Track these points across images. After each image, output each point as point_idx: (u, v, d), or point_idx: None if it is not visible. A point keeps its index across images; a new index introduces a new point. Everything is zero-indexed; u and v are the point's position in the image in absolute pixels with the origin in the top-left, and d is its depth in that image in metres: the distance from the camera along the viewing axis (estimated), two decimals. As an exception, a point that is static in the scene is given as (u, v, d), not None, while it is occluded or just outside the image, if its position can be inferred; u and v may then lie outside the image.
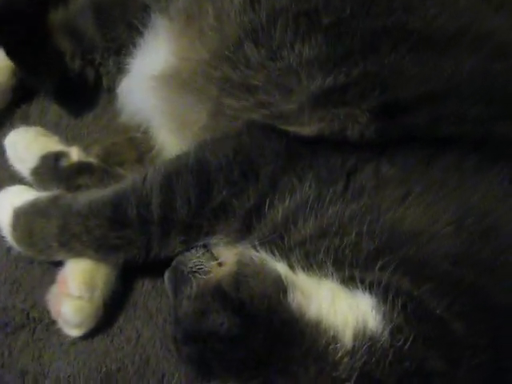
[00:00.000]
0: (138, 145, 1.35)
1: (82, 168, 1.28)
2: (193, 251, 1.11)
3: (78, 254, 1.16)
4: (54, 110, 1.44)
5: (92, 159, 1.30)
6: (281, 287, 0.94)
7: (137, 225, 1.10)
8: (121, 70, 1.36)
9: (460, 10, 1.15)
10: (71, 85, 1.41)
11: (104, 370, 1.16)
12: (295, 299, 0.93)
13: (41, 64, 1.36)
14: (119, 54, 1.34)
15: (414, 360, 0.86)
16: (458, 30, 1.11)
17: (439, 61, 1.08)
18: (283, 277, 0.95)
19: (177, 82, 1.22)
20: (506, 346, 0.90)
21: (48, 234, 1.15)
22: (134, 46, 1.30)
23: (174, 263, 1.12)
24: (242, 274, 0.98)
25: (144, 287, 1.26)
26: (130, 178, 1.17)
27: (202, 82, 1.18)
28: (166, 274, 1.12)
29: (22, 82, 1.42)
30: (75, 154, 1.29)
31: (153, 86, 1.26)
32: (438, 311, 0.89)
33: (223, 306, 0.94)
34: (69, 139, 1.36)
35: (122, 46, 1.33)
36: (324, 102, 1.07)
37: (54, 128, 1.39)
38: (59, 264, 1.21)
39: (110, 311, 1.21)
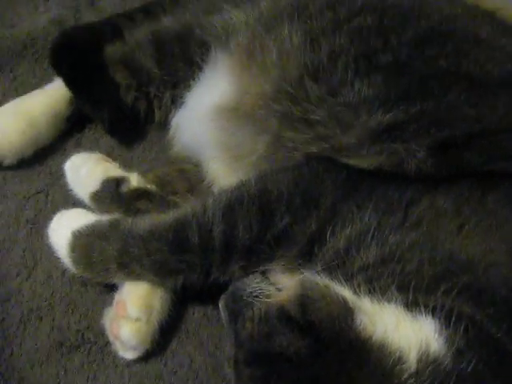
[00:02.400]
0: (188, 176, 1.39)
1: (141, 194, 1.31)
2: (251, 277, 1.13)
3: (137, 277, 1.18)
4: (105, 140, 1.48)
5: (150, 186, 1.33)
6: (348, 311, 0.97)
7: (198, 250, 1.13)
8: (175, 103, 1.41)
9: (508, 57, 1.23)
10: (123, 117, 1.45)
11: (158, 392, 1.20)
12: (362, 323, 0.95)
13: (97, 95, 1.42)
14: (176, 87, 1.39)
15: (476, 382, 0.89)
16: (508, 74, 1.18)
17: (491, 101, 1.13)
18: (349, 301, 0.98)
19: (236, 114, 1.27)
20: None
21: (107, 256, 1.17)
22: (193, 79, 1.35)
23: (230, 289, 1.14)
24: (306, 297, 1.00)
25: (195, 315, 1.28)
26: (189, 205, 1.19)
27: (262, 114, 1.22)
28: (222, 300, 1.14)
29: (76, 111, 1.46)
30: (135, 180, 1.32)
31: (210, 118, 1.30)
32: (498, 335, 0.92)
33: (290, 328, 0.96)
34: (121, 168, 1.38)
35: (180, 79, 1.38)
36: (383, 137, 1.11)
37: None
38: (112, 287, 1.23)
39: (164, 337, 1.22)
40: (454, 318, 0.93)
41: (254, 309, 1.05)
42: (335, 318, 0.97)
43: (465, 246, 1.03)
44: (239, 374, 1.04)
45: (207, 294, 1.21)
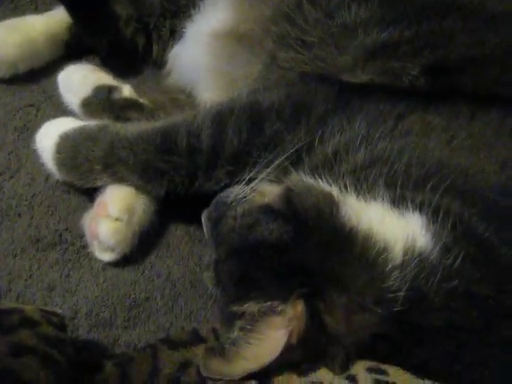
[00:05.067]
0: (180, 105, 1.38)
1: (133, 104, 1.31)
2: (235, 186, 1.10)
3: (121, 179, 1.16)
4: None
5: (142, 100, 1.33)
6: (333, 202, 0.96)
7: (185, 151, 1.12)
8: (173, 36, 1.42)
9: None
10: (120, 50, 1.46)
11: (133, 296, 1.15)
12: (347, 214, 0.94)
13: (97, 24, 1.43)
14: (176, 17, 1.41)
15: (462, 280, 0.87)
16: (502, 12, 1.18)
17: (485, 32, 1.14)
18: (335, 195, 0.97)
19: (233, 37, 1.28)
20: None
21: (93, 157, 1.16)
22: (194, 8, 1.37)
23: (214, 200, 1.10)
24: (291, 190, 0.99)
25: (177, 232, 1.26)
26: (179, 115, 1.20)
27: (259, 35, 1.24)
28: (205, 213, 1.10)
29: (76, 40, 1.47)
30: (128, 90, 1.32)
31: (208, 43, 1.31)
32: (486, 234, 0.91)
33: (273, 217, 0.95)
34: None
35: (181, 8, 1.40)
36: (378, 55, 1.12)
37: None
38: (94, 199, 1.20)
39: (143, 248, 1.20)
40: (441, 214, 0.92)
41: (237, 208, 1.03)
42: (320, 208, 0.96)
43: (454, 156, 1.02)
44: (218, 272, 1.00)
45: (191, 214, 1.18)
